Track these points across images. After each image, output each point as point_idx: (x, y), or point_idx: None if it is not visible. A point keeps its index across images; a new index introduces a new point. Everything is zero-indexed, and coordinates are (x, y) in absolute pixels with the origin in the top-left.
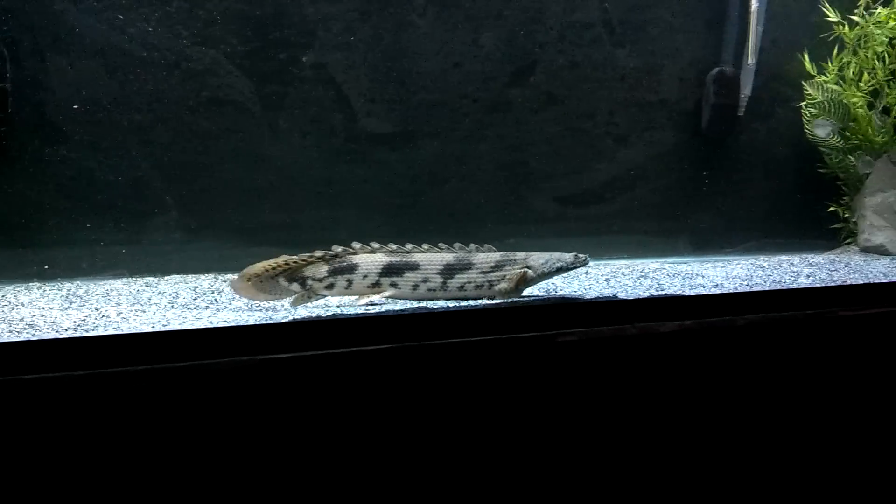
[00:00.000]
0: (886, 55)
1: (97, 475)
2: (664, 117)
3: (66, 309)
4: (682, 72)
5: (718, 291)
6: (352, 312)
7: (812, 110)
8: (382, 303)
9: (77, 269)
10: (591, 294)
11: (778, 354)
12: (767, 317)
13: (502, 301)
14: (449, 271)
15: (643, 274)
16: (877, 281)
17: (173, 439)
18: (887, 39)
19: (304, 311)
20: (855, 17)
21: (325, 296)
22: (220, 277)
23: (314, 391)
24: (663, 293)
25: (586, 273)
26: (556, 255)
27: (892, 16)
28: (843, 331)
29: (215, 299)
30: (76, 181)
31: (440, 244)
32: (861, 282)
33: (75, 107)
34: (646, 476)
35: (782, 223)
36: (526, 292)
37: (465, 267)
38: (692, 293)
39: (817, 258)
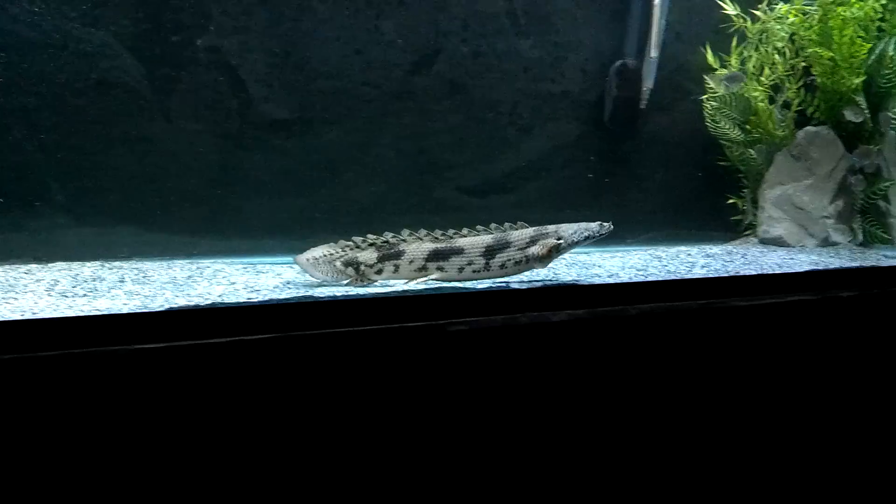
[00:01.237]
0: (787, 50)
1: None
2: (567, 109)
3: None
4: (586, 64)
5: (613, 281)
6: (233, 301)
7: (713, 103)
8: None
9: None
10: (485, 283)
11: (669, 344)
12: (659, 306)
13: (395, 291)
14: (490, 252)
15: None
16: (770, 272)
17: (36, 433)
18: (788, 35)
19: (182, 301)
20: (757, 13)
21: (375, 280)
22: (105, 265)
23: (190, 382)
24: (557, 282)
25: None
26: (584, 224)
27: (793, 12)
28: (735, 320)
29: (95, 287)
30: None
31: (478, 227)
32: (755, 272)
33: None
34: (533, 467)
35: (684, 214)
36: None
37: (504, 246)
38: (586, 282)
39: (715, 249)
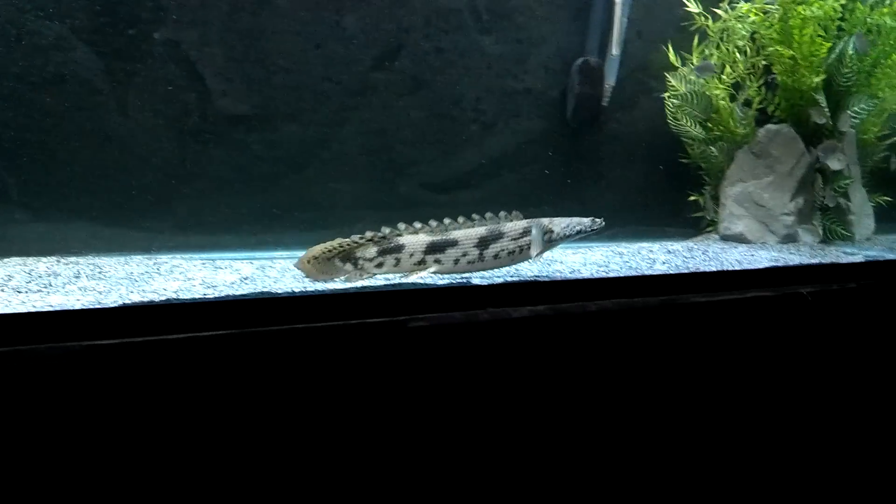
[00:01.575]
0: (748, 49)
1: None
2: (530, 105)
3: None
4: (548, 61)
5: (574, 277)
6: (188, 297)
7: (674, 101)
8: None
9: None
10: (445, 280)
11: (629, 340)
12: (619, 303)
13: (353, 286)
14: (483, 243)
15: None
16: (730, 269)
17: None
18: (749, 33)
19: (136, 297)
20: (719, 11)
21: (375, 274)
22: (61, 260)
23: (144, 379)
24: (518, 279)
25: None
26: (576, 219)
27: (754, 10)
28: (695, 317)
29: (49, 283)
30: None
31: (474, 216)
32: (715, 269)
33: None
34: (493, 462)
35: (646, 211)
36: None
37: (497, 237)
38: (547, 279)
39: (676, 245)
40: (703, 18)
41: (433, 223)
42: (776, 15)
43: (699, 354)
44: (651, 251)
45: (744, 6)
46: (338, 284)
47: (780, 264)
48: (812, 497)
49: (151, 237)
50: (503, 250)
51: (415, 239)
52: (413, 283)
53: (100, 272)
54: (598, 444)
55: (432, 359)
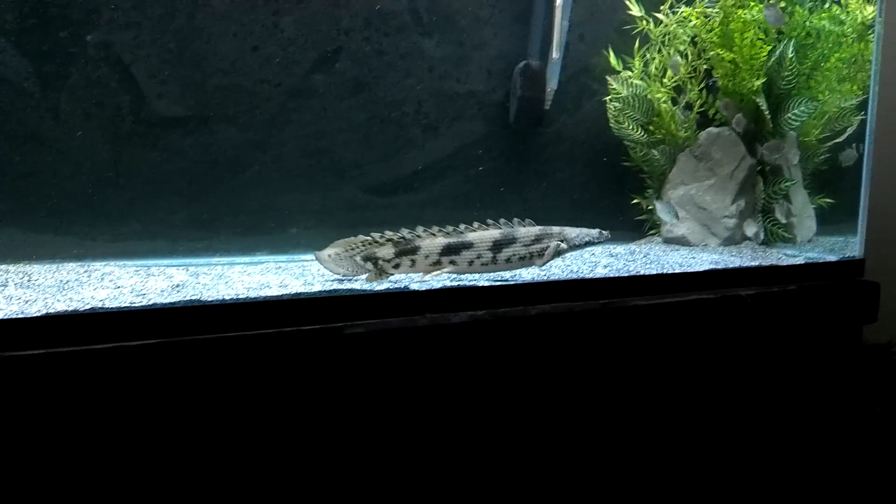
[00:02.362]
0: (689, 53)
1: None
2: (473, 108)
3: None
4: (491, 64)
5: (514, 281)
6: (114, 306)
7: (616, 104)
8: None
9: None
10: (384, 285)
11: (569, 343)
12: (559, 306)
13: (296, 293)
14: (497, 246)
15: None
16: (671, 272)
17: None
18: (690, 37)
19: (61, 306)
20: (660, 16)
21: (392, 274)
22: None
23: (69, 389)
24: (458, 283)
25: None
26: (585, 230)
27: (695, 14)
28: (635, 320)
29: None
30: None
31: (488, 220)
32: (655, 272)
33: None
34: (431, 471)
35: (589, 214)
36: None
37: (511, 241)
38: (487, 283)
39: (619, 248)
40: (644, 22)
41: (449, 228)
42: (717, 19)
43: (640, 357)
44: (593, 254)
45: (685, 10)
46: (270, 291)
47: (720, 267)
48: (752, 488)
49: (85, 244)
50: (515, 255)
51: (431, 241)
52: (349, 289)
53: (29, 280)
54: (538, 448)
55: (369, 366)
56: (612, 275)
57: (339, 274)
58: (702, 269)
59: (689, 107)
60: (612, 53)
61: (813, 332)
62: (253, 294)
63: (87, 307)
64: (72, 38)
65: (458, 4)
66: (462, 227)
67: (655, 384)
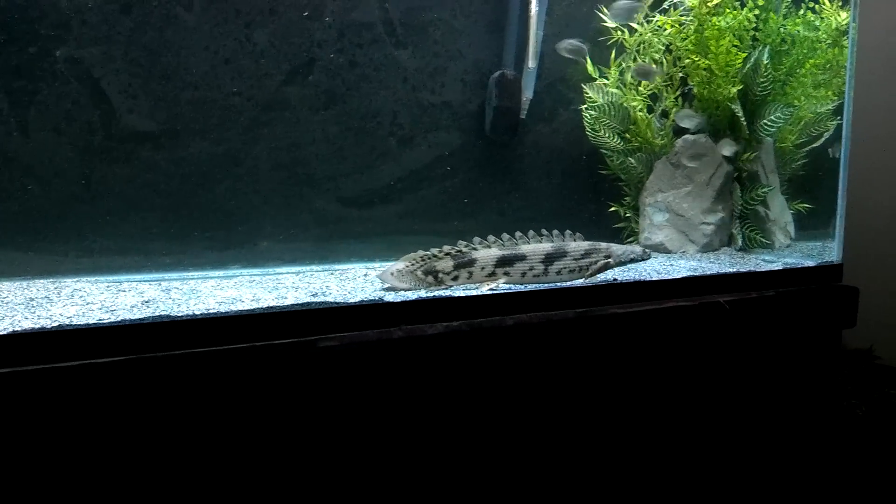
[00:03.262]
0: (664, 61)
1: None
2: (448, 119)
3: None
4: (465, 74)
5: (490, 292)
6: (82, 323)
7: (592, 113)
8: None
9: None
10: (357, 297)
11: (547, 353)
12: (536, 316)
13: (269, 307)
14: (549, 259)
15: None
16: (649, 279)
17: None
18: (665, 46)
19: (28, 323)
20: (635, 25)
21: (452, 286)
22: None
23: (38, 408)
24: (433, 295)
25: (364, 276)
26: (630, 247)
27: (669, 23)
28: (613, 328)
29: None
30: None
31: (543, 230)
32: (633, 279)
33: None
34: (410, 483)
35: (567, 222)
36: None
37: (562, 255)
38: (462, 294)
39: None
40: (619, 31)
41: (505, 237)
42: (691, 27)
43: (619, 366)
44: None
45: (660, 18)
46: (242, 305)
47: (698, 273)
48: (735, 492)
49: (57, 260)
50: (565, 268)
51: (487, 253)
52: (322, 302)
53: None
54: (516, 458)
55: (343, 380)
56: (589, 283)
57: (401, 289)
58: (680, 275)
59: (665, 114)
60: (588, 62)
61: (792, 337)
62: (224, 308)
63: (55, 324)
64: (41, 54)
65: (432, 15)
66: (517, 237)
67: (635, 392)
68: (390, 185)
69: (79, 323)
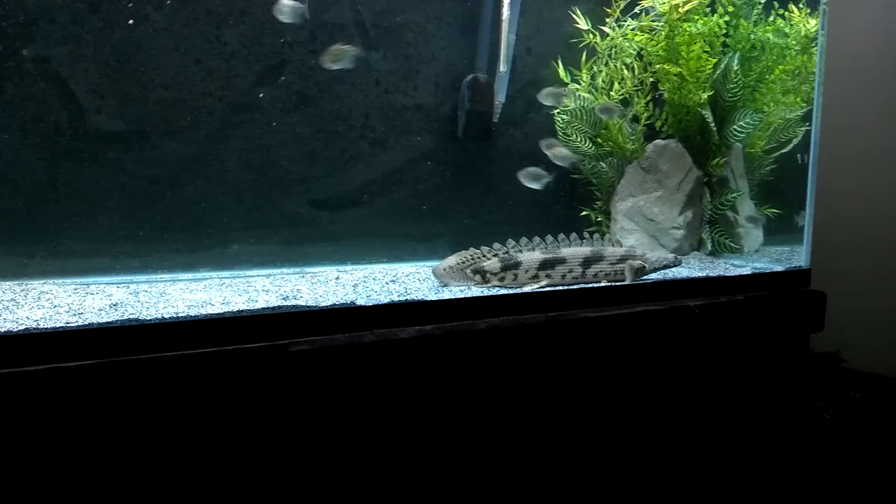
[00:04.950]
0: (635, 66)
1: None
2: (420, 122)
3: None
4: (438, 77)
5: (462, 295)
6: (49, 326)
7: (564, 117)
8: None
9: None
10: (329, 301)
11: (520, 356)
12: (507, 320)
13: (239, 310)
14: (587, 262)
15: (394, 279)
16: (619, 283)
17: None
18: (636, 51)
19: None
20: (606, 29)
21: (497, 286)
22: None
23: (6, 412)
24: (405, 299)
25: (336, 279)
26: (663, 253)
27: (638, 35)
28: (584, 331)
29: None
30: None
31: (585, 233)
32: (605, 283)
33: None
34: (382, 489)
35: (539, 226)
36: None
37: (599, 259)
38: (434, 297)
39: None
40: (591, 35)
41: (549, 239)
42: (662, 32)
43: (590, 369)
44: None
45: (631, 23)
46: (213, 308)
47: (669, 278)
48: (702, 495)
49: (23, 262)
50: (601, 271)
51: (531, 256)
52: (294, 305)
53: None
54: (489, 463)
55: (315, 384)
56: (560, 287)
57: (450, 285)
58: (650, 280)
59: (636, 119)
60: (560, 66)
61: (761, 341)
62: (194, 312)
63: (21, 328)
64: (7, 53)
65: (404, 18)
66: (561, 237)
67: (605, 396)
68: (362, 188)
69: (46, 326)
